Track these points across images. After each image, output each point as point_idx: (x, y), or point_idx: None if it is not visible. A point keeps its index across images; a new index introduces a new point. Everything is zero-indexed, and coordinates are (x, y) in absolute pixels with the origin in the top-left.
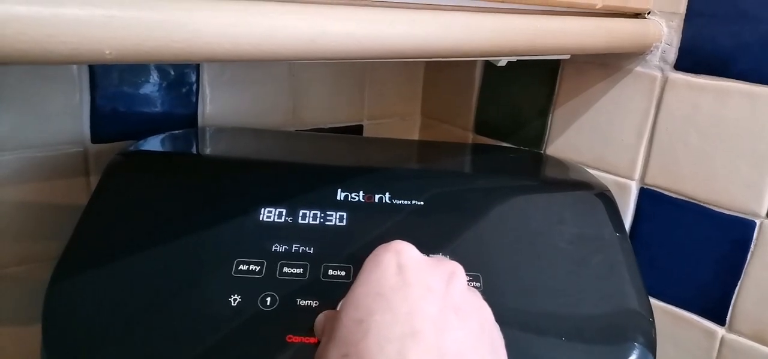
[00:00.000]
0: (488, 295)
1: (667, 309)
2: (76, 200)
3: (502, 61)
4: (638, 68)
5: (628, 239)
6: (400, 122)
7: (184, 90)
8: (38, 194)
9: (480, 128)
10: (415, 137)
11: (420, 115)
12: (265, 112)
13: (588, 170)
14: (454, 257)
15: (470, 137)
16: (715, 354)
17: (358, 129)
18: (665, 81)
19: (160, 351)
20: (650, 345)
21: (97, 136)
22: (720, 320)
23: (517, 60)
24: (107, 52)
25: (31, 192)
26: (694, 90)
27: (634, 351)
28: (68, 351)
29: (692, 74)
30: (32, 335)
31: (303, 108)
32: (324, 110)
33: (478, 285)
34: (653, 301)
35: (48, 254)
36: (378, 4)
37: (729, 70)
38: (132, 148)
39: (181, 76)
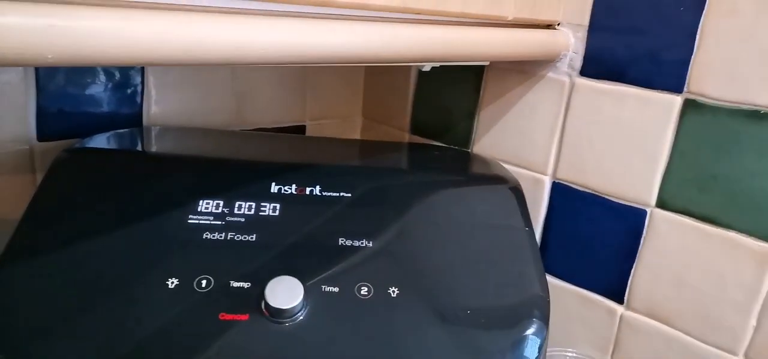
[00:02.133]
0: (404, 277)
1: (575, 291)
2: (21, 198)
3: (426, 67)
4: (550, 74)
5: (532, 228)
6: (341, 122)
7: (129, 91)
8: None
9: (415, 128)
10: (357, 137)
11: (361, 116)
12: (209, 112)
13: (507, 166)
14: (376, 244)
15: (407, 138)
16: (615, 329)
17: (301, 129)
18: (573, 86)
19: (101, 342)
20: (544, 318)
21: (43, 134)
22: (619, 299)
23: (442, 66)
24: (49, 56)
25: None
26: (596, 94)
27: (532, 324)
28: (6, 348)
29: (595, 80)
30: None
31: (246, 109)
32: (267, 110)
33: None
34: (563, 284)
35: None
36: (297, 14)
37: (624, 76)
38: (77, 145)
39: (127, 77)
